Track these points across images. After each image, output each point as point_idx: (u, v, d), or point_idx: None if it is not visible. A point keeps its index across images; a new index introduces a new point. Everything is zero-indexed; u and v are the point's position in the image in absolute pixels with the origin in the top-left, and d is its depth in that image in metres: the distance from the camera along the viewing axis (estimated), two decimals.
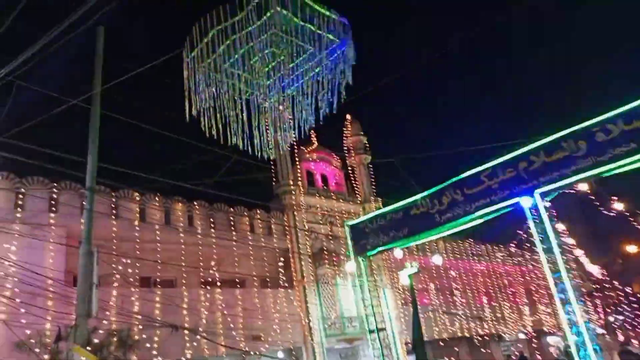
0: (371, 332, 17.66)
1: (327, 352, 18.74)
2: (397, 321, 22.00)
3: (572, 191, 12.27)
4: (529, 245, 26.42)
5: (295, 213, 20.67)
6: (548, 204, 11.49)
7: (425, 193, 13.83)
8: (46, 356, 11.20)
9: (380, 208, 22.18)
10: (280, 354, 17.59)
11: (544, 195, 11.32)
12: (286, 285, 19.33)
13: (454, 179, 13.19)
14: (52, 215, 14.62)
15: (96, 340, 10.88)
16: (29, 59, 7.43)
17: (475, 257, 30.05)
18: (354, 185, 24.62)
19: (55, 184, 15.02)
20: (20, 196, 14.37)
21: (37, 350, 10.93)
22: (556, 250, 10.87)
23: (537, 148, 11.57)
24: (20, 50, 7.30)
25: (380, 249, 16.02)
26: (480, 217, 12.64)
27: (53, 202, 14.85)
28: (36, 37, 7.06)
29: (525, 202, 11.45)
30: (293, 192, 20.96)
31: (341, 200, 23.27)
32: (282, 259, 19.90)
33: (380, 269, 22.44)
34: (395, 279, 22.82)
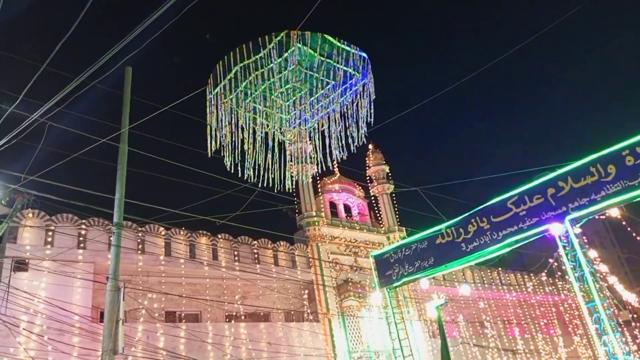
0: None
1: None
2: (426, 354, 21.36)
3: (602, 217, 11.94)
4: (560, 273, 25.60)
5: (319, 244, 20.57)
6: (579, 231, 11.18)
7: (451, 222, 13.64)
8: None
9: (404, 238, 21.92)
10: None
11: (574, 222, 11.03)
12: (311, 318, 19.06)
13: (480, 207, 13.00)
14: (80, 251, 14.87)
15: None
16: (61, 101, 7.72)
17: (505, 287, 29.21)
18: (378, 215, 24.46)
19: (83, 221, 15.33)
20: (50, 233, 14.69)
21: None
22: (589, 278, 10.50)
23: (564, 174, 11.35)
24: (52, 93, 7.60)
25: (405, 279, 15.76)
26: (508, 245, 12.36)
27: (81, 239, 15.13)
28: (65, 79, 7.36)
29: (554, 229, 11.17)
30: (316, 223, 20.91)
31: (365, 231, 23.10)
32: (306, 291, 19.70)
33: (407, 301, 21.97)
34: (422, 310, 22.30)
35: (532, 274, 31.05)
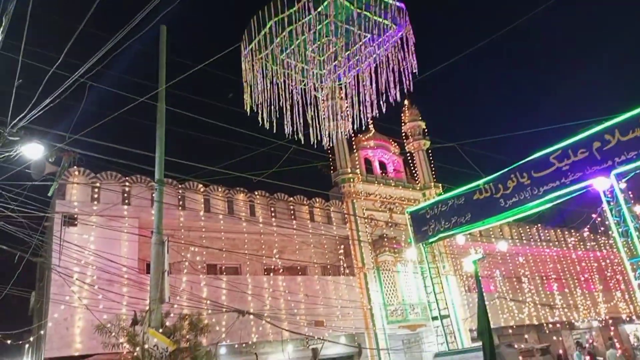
0: (434, 319, 17.48)
1: (389, 338, 18.74)
2: (461, 308, 21.58)
3: None
4: (602, 229, 24.96)
5: (354, 201, 20.68)
6: (624, 185, 10.79)
7: (489, 177, 13.40)
8: (122, 339, 11.95)
9: (440, 194, 21.74)
10: (343, 340, 17.78)
11: (620, 176, 10.64)
12: (347, 272, 19.45)
13: (520, 162, 12.67)
14: (125, 207, 15.48)
15: (169, 324, 11.46)
16: (100, 60, 7.86)
17: (544, 243, 28.79)
18: (413, 171, 24.25)
19: (127, 178, 15.87)
20: (96, 190, 15.31)
21: (115, 332, 11.68)
22: (634, 234, 10.21)
23: (611, 126, 10.86)
24: (91, 53, 7.73)
25: (441, 235, 15.76)
26: (549, 200, 12.09)
27: (125, 195, 15.71)
28: (103, 39, 7.45)
29: (599, 184, 10.82)
30: (351, 180, 20.96)
31: (400, 187, 23.01)
32: (342, 246, 20.01)
33: (443, 256, 22.05)
34: (458, 265, 22.36)
35: (572, 230, 30.42)
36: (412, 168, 24.31)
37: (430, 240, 15.98)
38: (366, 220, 20.61)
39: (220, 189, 17.62)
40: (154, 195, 13.04)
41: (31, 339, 17.16)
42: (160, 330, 11.09)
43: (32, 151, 12.83)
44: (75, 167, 14.95)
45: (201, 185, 17.22)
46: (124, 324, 11.48)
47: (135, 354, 11.25)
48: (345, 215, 20.38)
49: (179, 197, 16.73)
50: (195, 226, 16.71)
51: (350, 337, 18.23)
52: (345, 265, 19.57)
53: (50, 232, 14.44)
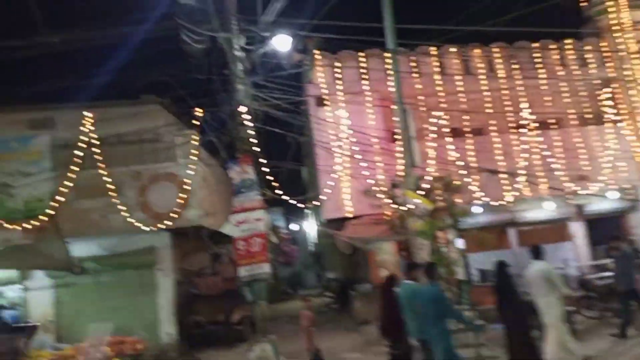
0: None
1: None
2: None
3: None
4: None
5: (617, 35, 17.14)
6: None
7: None
8: (386, 201, 13.22)
9: None
10: (611, 194, 16.03)
11: None
12: (612, 119, 16.89)
13: None
14: (365, 82, 16.14)
15: (424, 186, 12.10)
16: None
17: None
18: None
19: (362, 54, 16.30)
20: (337, 70, 16.26)
21: (379, 196, 13.02)
22: None
23: None
24: None
25: None
26: None
27: (363, 71, 16.28)
28: None
29: None
30: (611, 10, 17.23)
31: None
32: (603, 90, 17.23)
33: None
34: None
35: None
36: None
37: None
38: (635, 56, 17.02)
39: (453, 49, 16.69)
40: (387, 66, 13.19)
41: (309, 204, 20.48)
42: (417, 192, 11.82)
43: (282, 43, 14.19)
44: (317, 50, 16.06)
45: (432, 48, 16.58)
46: (383, 188, 12.61)
47: (398, 213, 12.37)
48: (605, 55, 17.19)
49: (412, 64, 16.54)
50: (431, 92, 16.49)
51: (620, 191, 16.30)
52: (609, 112, 16.96)
53: (308, 113, 16.22)
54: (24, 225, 11.06)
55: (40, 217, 11.19)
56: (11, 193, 11.73)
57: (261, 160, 12.22)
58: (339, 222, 14.94)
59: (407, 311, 7.57)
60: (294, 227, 24.25)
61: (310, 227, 19.80)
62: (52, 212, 10.98)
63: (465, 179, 14.60)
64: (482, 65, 16.91)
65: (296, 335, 10.90)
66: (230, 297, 13.27)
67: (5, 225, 11.14)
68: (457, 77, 16.58)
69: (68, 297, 11.18)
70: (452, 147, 15.65)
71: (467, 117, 16.20)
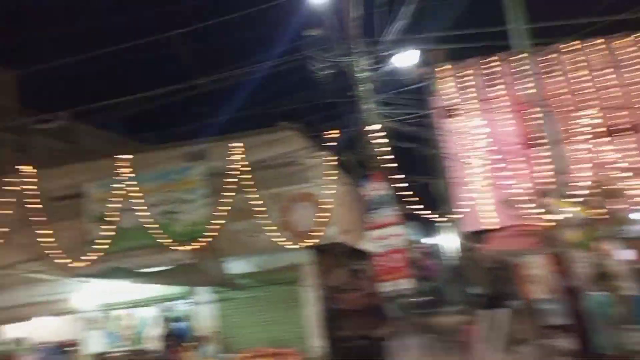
0: None
1: None
2: None
3: None
4: None
5: None
6: None
7: None
8: (533, 210, 12.39)
9: None
10: None
11: None
12: None
13: None
14: (492, 88, 15.49)
15: (577, 192, 11.16)
16: None
17: None
18: None
19: (488, 59, 15.69)
20: (463, 79, 15.83)
21: (521, 205, 12.24)
22: None
23: None
24: None
25: None
26: None
27: (489, 77, 15.62)
28: None
29: None
30: None
31: None
32: None
33: None
34: None
35: None
36: None
37: None
38: None
39: (592, 42, 15.30)
40: (513, 69, 12.42)
41: (446, 218, 19.93)
42: (571, 200, 10.89)
43: (408, 58, 14.26)
44: (441, 62, 15.86)
45: (571, 44, 15.35)
46: (531, 197, 11.84)
47: (549, 224, 11.48)
48: None
49: (544, 64, 15.47)
50: (567, 91, 15.24)
51: None
52: None
53: (436, 126, 15.96)
54: (188, 246, 12.34)
55: (201, 239, 12.40)
56: (175, 218, 13.18)
57: (395, 176, 12.28)
58: (481, 235, 14.35)
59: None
60: (431, 241, 23.79)
61: (448, 241, 19.24)
62: (211, 234, 12.12)
63: (622, 183, 13.20)
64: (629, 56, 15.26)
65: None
66: (372, 313, 13.33)
67: (173, 247, 12.52)
68: (602, 72, 15.15)
69: (229, 310, 12.18)
70: (604, 148, 14.26)
71: (621, 114, 14.68)
